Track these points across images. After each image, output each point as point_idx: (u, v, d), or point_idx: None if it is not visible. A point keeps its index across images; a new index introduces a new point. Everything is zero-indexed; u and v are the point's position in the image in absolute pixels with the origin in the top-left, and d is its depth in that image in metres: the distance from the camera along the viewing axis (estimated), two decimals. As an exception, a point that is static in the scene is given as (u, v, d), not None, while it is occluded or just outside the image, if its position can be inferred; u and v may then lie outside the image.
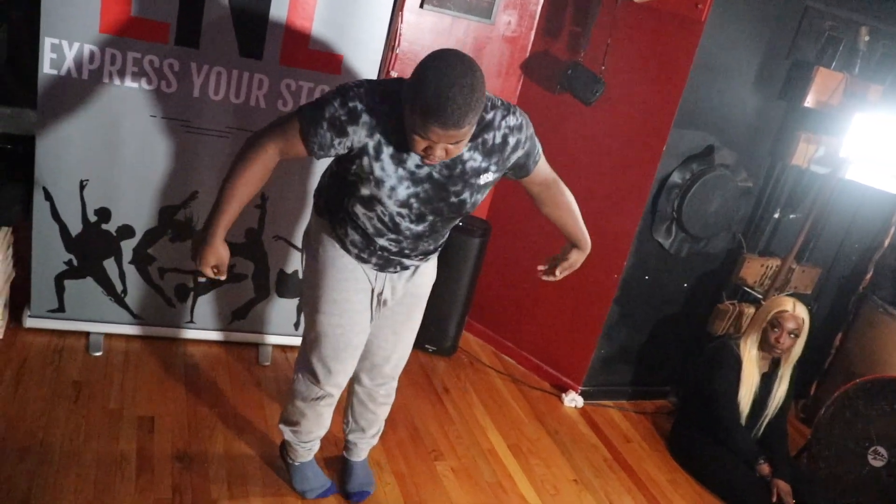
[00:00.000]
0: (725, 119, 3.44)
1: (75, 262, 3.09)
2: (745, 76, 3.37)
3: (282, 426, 2.62)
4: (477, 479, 3.04)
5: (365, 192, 2.08)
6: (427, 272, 2.45)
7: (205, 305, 3.31)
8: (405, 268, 2.34)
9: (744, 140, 3.53)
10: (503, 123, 2.07)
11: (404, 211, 2.11)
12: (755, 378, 3.39)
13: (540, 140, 2.18)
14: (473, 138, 2.03)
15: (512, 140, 2.09)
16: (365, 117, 1.96)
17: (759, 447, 3.36)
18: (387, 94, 1.98)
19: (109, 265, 3.14)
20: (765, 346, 3.36)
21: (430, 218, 2.16)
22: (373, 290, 2.35)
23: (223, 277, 2.20)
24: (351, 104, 1.96)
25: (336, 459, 2.88)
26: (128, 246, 3.12)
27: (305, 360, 2.45)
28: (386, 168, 2.02)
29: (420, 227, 2.18)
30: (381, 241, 2.21)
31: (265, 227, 3.22)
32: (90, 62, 2.78)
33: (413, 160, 2.02)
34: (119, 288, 3.18)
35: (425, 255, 2.32)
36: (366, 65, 3.04)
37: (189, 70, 2.89)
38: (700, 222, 3.55)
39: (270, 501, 2.65)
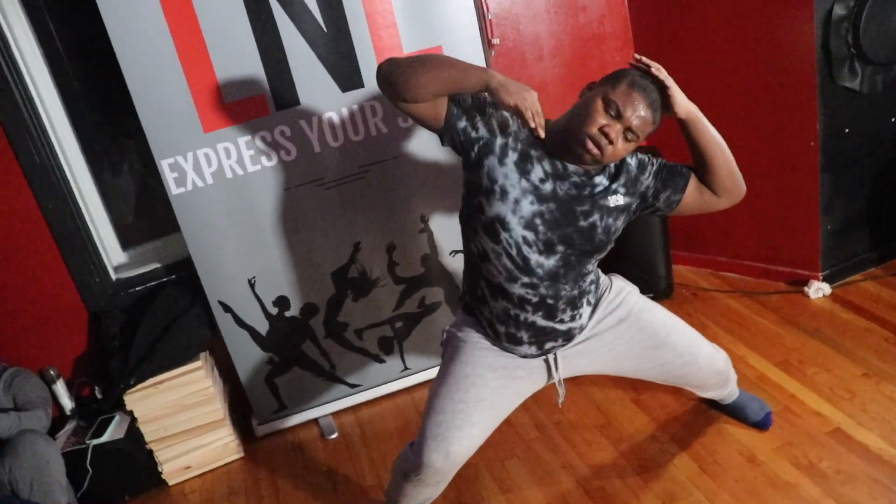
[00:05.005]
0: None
1: (276, 359, 3.04)
2: None
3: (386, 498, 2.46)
4: (762, 415, 2.73)
5: (489, 212, 1.96)
6: (607, 310, 2.22)
7: (413, 348, 3.19)
8: (567, 337, 2.14)
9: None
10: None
11: (530, 236, 1.96)
12: None
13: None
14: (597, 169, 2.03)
15: (632, 161, 2.06)
16: (499, 114, 1.98)
17: None
18: None
19: (308, 348, 3.06)
20: None
21: (560, 248, 1.99)
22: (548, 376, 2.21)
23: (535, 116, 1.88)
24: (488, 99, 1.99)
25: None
26: (317, 322, 3.04)
27: (418, 435, 2.18)
28: (509, 176, 1.95)
29: (551, 261, 1.99)
30: (517, 290, 2.01)
31: (438, 247, 3.04)
32: (208, 165, 2.71)
33: (537, 173, 1.95)
34: (326, 366, 3.11)
35: (573, 306, 2.08)
36: (467, 52, 2.83)
37: (301, 130, 2.76)
38: (886, 46, 3.05)
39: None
